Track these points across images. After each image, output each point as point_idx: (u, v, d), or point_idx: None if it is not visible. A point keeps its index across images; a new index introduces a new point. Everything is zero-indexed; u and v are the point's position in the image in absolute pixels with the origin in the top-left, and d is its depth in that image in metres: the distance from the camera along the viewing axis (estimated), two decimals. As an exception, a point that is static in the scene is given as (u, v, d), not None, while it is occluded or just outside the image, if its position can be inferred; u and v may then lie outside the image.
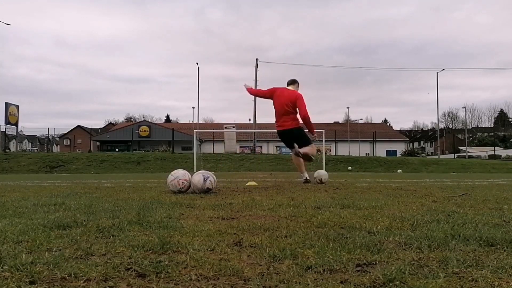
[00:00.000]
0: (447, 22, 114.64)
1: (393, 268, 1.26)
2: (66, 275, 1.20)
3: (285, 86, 6.33)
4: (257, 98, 35.53)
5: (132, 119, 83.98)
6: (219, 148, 36.71)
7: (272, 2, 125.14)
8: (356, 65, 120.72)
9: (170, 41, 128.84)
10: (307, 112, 6.05)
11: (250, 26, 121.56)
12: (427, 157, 45.35)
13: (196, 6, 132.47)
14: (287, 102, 6.07)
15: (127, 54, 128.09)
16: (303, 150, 5.99)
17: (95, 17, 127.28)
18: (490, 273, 1.23)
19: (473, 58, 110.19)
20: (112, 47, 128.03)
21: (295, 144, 6.20)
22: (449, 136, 63.43)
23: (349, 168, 22.58)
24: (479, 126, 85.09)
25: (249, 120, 44.32)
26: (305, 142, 6.14)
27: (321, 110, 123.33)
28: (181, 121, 75.88)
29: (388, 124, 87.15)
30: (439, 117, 48.27)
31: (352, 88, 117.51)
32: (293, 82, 6.37)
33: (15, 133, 35.13)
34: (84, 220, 2.18)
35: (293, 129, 6.15)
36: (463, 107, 66.70)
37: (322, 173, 6.24)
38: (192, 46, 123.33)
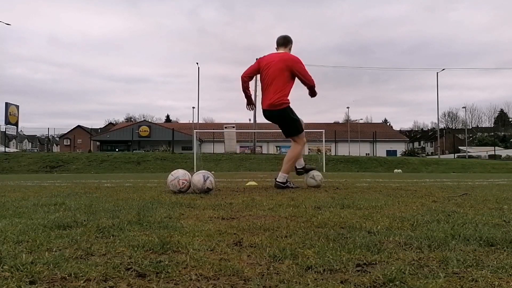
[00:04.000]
0: (444, 22, 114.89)
1: (393, 268, 1.26)
2: (66, 275, 1.20)
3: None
4: (257, 98, 35.47)
5: (132, 119, 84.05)
6: (219, 148, 36.73)
7: (266, 1, 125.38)
8: (353, 65, 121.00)
9: (165, 40, 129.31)
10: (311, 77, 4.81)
11: (245, 26, 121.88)
12: (427, 157, 45.34)
13: (190, 6, 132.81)
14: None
15: (122, 54, 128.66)
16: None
17: (89, 16, 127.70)
18: (490, 273, 1.23)
19: (470, 57, 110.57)
20: (107, 47, 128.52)
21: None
22: (449, 136, 63.48)
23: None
24: (479, 126, 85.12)
25: (249, 120, 44.27)
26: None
27: (319, 110, 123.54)
28: (181, 121, 75.97)
29: (388, 124, 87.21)
30: (439, 117, 48.35)
31: (350, 88, 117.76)
32: (285, 41, 4.88)
33: (15, 133, 35.14)
34: (84, 220, 2.18)
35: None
36: (463, 107, 66.74)
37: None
38: (187, 45, 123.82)
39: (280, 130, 5.02)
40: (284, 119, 4.86)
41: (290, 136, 4.97)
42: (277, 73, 4.70)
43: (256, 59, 5.33)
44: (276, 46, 4.92)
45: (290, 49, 4.91)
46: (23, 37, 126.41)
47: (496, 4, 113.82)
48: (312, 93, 4.95)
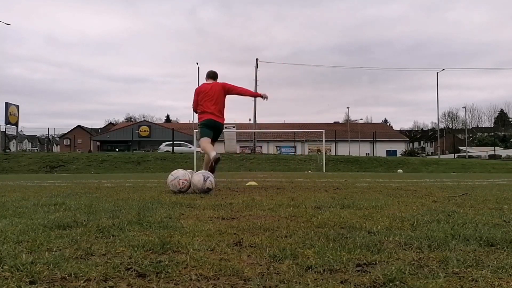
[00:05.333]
0: (442, 21, 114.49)
1: (393, 268, 1.26)
2: (66, 275, 1.20)
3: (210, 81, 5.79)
4: (257, 99, 35.43)
5: (132, 119, 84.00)
6: (219, 148, 36.61)
7: (264, 1, 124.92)
8: (351, 65, 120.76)
9: (164, 40, 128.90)
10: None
11: (243, 26, 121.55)
12: (427, 157, 45.35)
13: (188, 5, 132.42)
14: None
15: (121, 54, 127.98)
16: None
17: (87, 16, 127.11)
18: (490, 273, 1.23)
19: (470, 57, 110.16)
20: (106, 47, 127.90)
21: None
22: (449, 136, 63.45)
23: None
24: (479, 126, 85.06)
25: (249, 120, 44.25)
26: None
27: (319, 110, 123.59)
28: (181, 121, 75.91)
29: (388, 124, 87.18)
30: (439, 117, 48.29)
31: (349, 88, 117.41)
32: (216, 75, 5.85)
33: (15, 133, 35.13)
34: (84, 220, 2.18)
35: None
36: (463, 107, 66.64)
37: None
38: (186, 45, 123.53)
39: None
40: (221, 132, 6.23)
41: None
42: (218, 94, 5.67)
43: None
44: (206, 78, 5.86)
45: None
46: (22, 37, 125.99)
47: (494, 4, 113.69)
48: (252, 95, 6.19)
